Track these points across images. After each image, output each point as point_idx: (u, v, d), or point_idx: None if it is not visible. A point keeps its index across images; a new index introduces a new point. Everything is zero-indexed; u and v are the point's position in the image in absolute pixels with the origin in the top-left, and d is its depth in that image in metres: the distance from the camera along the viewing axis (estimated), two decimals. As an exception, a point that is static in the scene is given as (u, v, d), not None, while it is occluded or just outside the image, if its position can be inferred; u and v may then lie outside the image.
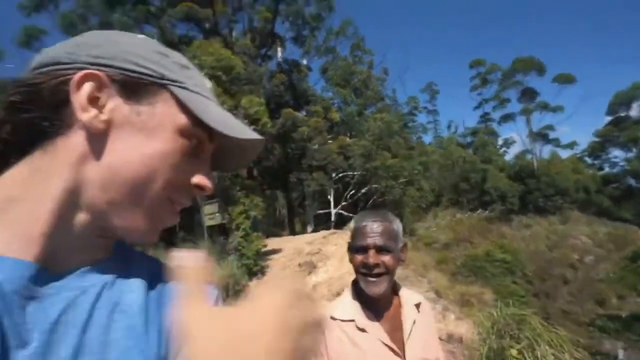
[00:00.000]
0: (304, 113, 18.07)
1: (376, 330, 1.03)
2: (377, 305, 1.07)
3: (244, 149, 0.46)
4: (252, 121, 8.37)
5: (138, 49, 0.40)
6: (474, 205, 24.01)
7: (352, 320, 1.03)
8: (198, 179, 0.42)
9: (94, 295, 0.38)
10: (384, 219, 1.07)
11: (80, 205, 0.38)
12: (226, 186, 9.26)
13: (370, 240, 1.02)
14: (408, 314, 1.07)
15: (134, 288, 0.41)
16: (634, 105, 25.69)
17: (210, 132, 0.42)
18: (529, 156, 27.81)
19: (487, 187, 23.28)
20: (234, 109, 8.37)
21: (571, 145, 30.21)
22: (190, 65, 0.45)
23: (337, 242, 10.01)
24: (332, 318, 1.05)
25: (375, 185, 17.70)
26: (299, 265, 7.66)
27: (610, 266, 14.15)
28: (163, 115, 0.40)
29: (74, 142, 0.37)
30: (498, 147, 32.19)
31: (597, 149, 28.25)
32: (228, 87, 8.53)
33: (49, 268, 0.36)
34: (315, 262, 7.85)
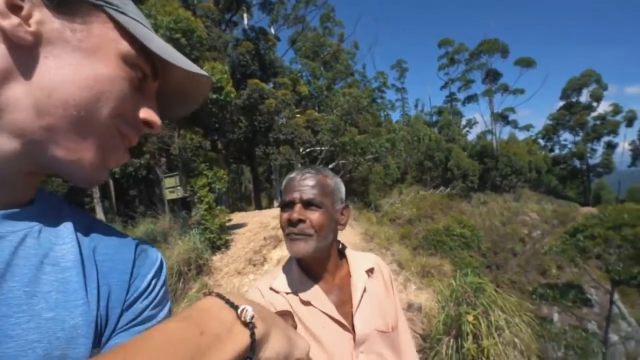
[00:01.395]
0: (271, 85, 17.41)
1: (321, 302, 0.89)
2: (320, 274, 0.92)
3: (189, 90, 0.43)
4: (215, 89, 7.85)
5: None
6: (437, 183, 24.97)
7: (294, 293, 0.90)
8: (146, 113, 0.41)
9: (15, 242, 0.34)
10: (317, 172, 0.92)
11: (5, 129, 0.34)
12: (187, 158, 8.78)
13: (296, 194, 0.88)
14: (357, 282, 0.94)
15: (66, 240, 0.38)
16: (584, 92, 27.41)
17: (154, 67, 0.40)
18: (489, 137, 29.12)
19: (450, 165, 24.21)
20: (194, 75, 7.76)
21: (527, 127, 31.98)
22: None
23: (303, 216, 10.02)
24: (272, 289, 0.91)
25: (343, 161, 17.75)
26: (264, 239, 7.54)
27: (554, 240, 15.44)
28: (102, 37, 0.37)
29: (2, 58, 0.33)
30: (462, 127, 33.36)
31: (550, 132, 30.09)
32: (188, 52, 7.87)
33: None
34: (281, 236, 7.76)
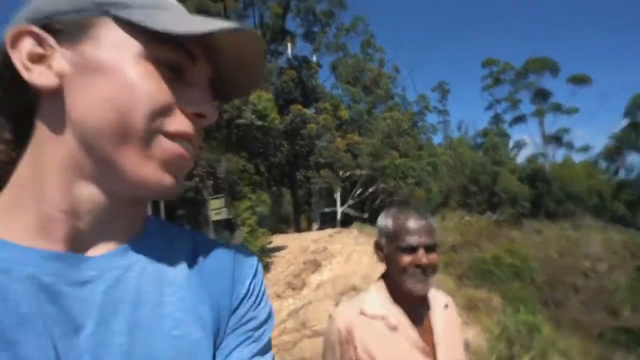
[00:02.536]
0: (312, 110, 18.02)
1: (407, 329, 0.98)
2: (409, 304, 1.02)
3: (243, 57, 0.39)
4: (260, 117, 8.30)
5: None
6: (482, 208, 23.63)
7: (383, 317, 0.98)
8: (193, 104, 0.37)
9: (138, 272, 0.38)
10: (424, 216, 1.03)
11: (78, 174, 0.35)
12: (233, 181, 9.23)
13: (421, 240, 0.98)
14: (438, 314, 1.04)
15: (177, 260, 0.41)
16: (653, 109, 24.95)
17: (191, 52, 0.37)
18: (541, 159, 27.28)
19: (497, 189, 22.89)
20: (243, 105, 8.32)
21: (585, 148, 29.49)
22: None
23: (343, 240, 9.92)
24: (362, 313, 0.99)
25: (383, 185, 17.57)
26: (304, 263, 7.59)
27: (624, 275, 13.76)
28: (111, 45, 0.35)
29: (42, 111, 0.35)
30: (509, 149, 31.67)
31: (613, 153, 27.51)
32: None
33: (83, 251, 0.36)
34: (320, 261, 7.78)
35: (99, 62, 0.34)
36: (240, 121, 8.35)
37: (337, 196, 17.85)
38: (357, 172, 17.12)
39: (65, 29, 0.34)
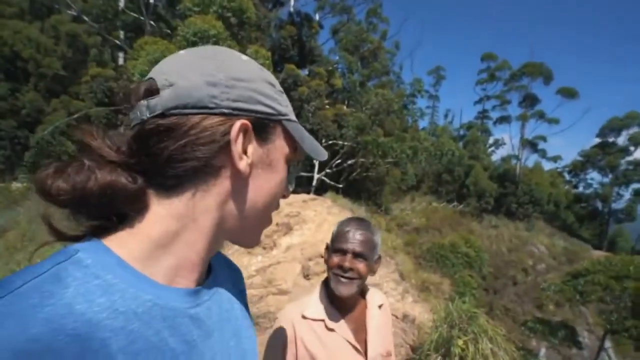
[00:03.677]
0: (306, 72, 17.53)
1: (343, 329, 1.09)
2: (345, 306, 1.13)
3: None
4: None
5: (258, 84, 0.44)
6: (451, 197, 24.81)
7: (322, 320, 1.09)
8: (285, 191, 0.52)
9: (220, 292, 0.49)
10: (367, 229, 1.12)
11: (224, 233, 0.45)
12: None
13: (350, 246, 1.08)
14: (372, 315, 1.15)
15: (227, 278, 0.55)
16: (624, 133, 26.41)
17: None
18: (514, 161, 28.54)
19: (468, 182, 23.97)
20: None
21: (555, 158, 31.08)
22: (279, 85, 0.50)
23: (316, 208, 10.23)
24: (304, 317, 1.10)
25: (362, 160, 17.87)
26: (277, 224, 7.86)
27: (558, 277, 15.32)
28: (279, 148, 0.47)
29: (225, 182, 0.42)
30: (488, 145, 32.75)
31: (578, 168, 29.26)
32: (236, 32, 8.10)
33: (201, 283, 0.46)
34: (292, 224, 8.08)
35: (272, 161, 0.46)
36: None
37: (316, 163, 18.01)
38: (340, 142, 17.22)
39: (257, 126, 0.44)
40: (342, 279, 1.07)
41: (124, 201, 0.38)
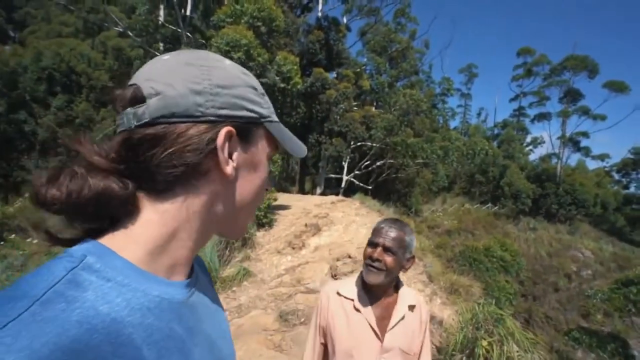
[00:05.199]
0: (334, 75, 17.70)
1: (368, 313, 1.23)
2: (374, 294, 1.26)
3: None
4: (284, 79, 8.35)
5: (241, 90, 0.46)
6: (485, 199, 23.91)
7: (352, 300, 1.26)
8: (267, 185, 0.55)
9: (202, 280, 0.54)
10: (400, 228, 1.25)
11: (212, 229, 0.50)
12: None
13: (381, 240, 1.22)
14: (400, 309, 1.25)
15: (203, 268, 0.62)
16: (681, 129, 24.12)
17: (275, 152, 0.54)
18: (554, 160, 26.97)
19: (503, 183, 22.98)
20: (268, 63, 8.34)
21: (602, 157, 29.03)
22: (261, 88, 0.52)
23: (344, 209, 10.34)
24: (338, 293, 1.29)
25: (392, 161, 17.71)
26: (306, 225, 8.05)
27: (606, 284, 14.30)
28: (262, 149, 0.50)
29: (213, 186, 0.45)
30: (525, 144, 31.19)
31: (629, 167, 27.11)
32: (266, 40, 8.42)
33: (190, 275, 0.51)
34: (321, 225, 8.23)
35: (256, 162, 0.49)
36: (263, 80, 8.42)
37: (345, 164, 18.08)
38: (369, 144, 17.18)
39: (241, 131, 0.46)
40: (371, 268, 1.21)
41: (116, 206, 0.40)
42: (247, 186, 0.48)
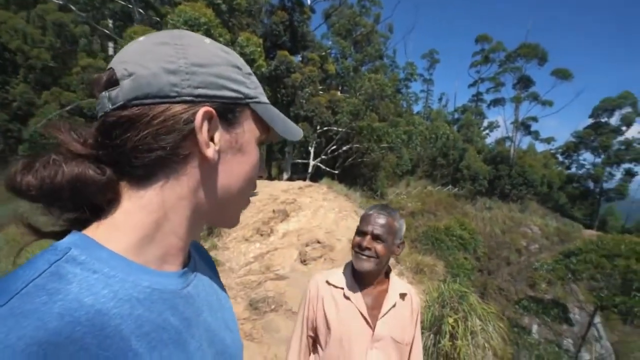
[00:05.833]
0: (299, 58, 17.33)
1: (358, 300, 1.21)
2: (364, 281, 1.25)
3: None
4: (247, 61, 8.00)
5: (221, 69, 0.43)
6: (446, 181, 25.06)
7: (342, 288, 1.24)
8: (260, 171, 0.52)
9: (204, 269, 0.53)
10: (388, 215, 1.22)
11: (202, 217, 0.47)
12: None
13: (370, 228, 1.20)
14: (391, 297, 1.24)
15: (205, 257, 0.60)
16: (616, 114, 26.58)
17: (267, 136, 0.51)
18: (508, 143, 28.72)
19: (462, 165, 24.18)
20: (229, 44, 7.92)
21: (549, 140, 31.34)
22: (248, 67, 0.49)
23: (312, 195, 10.34)
24: (327, 282, 1.27)
25: (357, 145, 17.90)
26: (273, 211, 7.96)
27: (550, 257, 15.72)
28: (248, 131, 0.47)
29: (195, 170, 0.43)
30: (482, 128, 32.87)
31: (571, 149, 29.53)
32: (227, 19, 7.97)
33: (185, 265, 0.49)
34: (289, 211, 8.18)
35: (242, 145, 0.46)
36: (226, 61, 8.02)
37: (311, 149, 18.01)
38: (335, 128, 17.19)
39: (223, 112, 0.43)
40: (361, 256, 1.19)
41: (94, 193, 0.39)
42: (233, 171, 0.46)
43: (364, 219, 1.23)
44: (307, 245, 6.41)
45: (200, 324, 0.46)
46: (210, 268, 0.59)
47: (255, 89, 0.47)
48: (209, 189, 0.45)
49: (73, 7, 12.98)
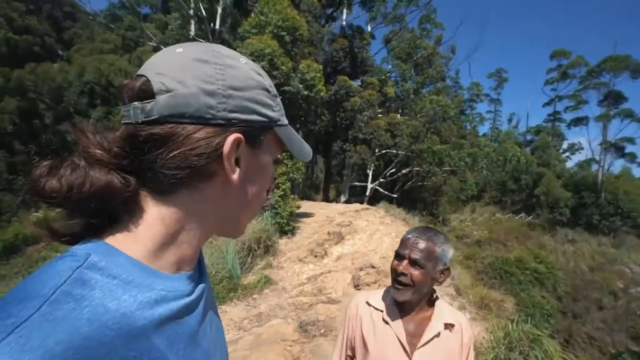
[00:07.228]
0: (358, 82, 17.64)
1: (397, 326, 1.14)
2: (404, 308, 1.17)
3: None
4: (307, 87, 8.40)
5: (254, 92, 0.44)
6: (517, 208, 22.76)
7: (382, 311, 1.19)
8: (271, 184, 0.54)
9: (204, 274, 0.55)
10: (429, 238, 1.12)
11: (215, 229, 0.49)
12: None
13: (407, 252, 1.12)
14: (433, 327, 1.14)
15: (202, 264, 0.61)
16: None
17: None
18: (594, 167, 25.31)
19: (538, 191, 21.78)
20: (291, 71, 8.42)
21: (649, 163, 26.91)
22: (274, 89, 0.50)
23: (368, 218, 10.16)
24: (367, 303, 1.23)
25: (417, 168, 17.30)
26: (328, 233, 7.96)
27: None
28: (269, 153, 0.49)
29: (217, 189, 0.44)
30: (561, 151, 29.55)
31: (680, 174, 24.94)
32: (290, 49, 8.52)
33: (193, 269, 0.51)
34: (344, 234, 8.10)
35: (262, 166, 0.48)
36: (287, 88, 8.50)
37: (370, 172, 17.85)
38: (394, 151, 16.90)
39: (251, 136, 0.44)
40: (397, 286, 1.13)
41: (118, 203, 0.40)
42: (252, 190, 0.48)
43: (403, 242, 1.16)
44: (361, 269, 6.24)
45: (207, 323, 0.49)
46: (205, 273, 0.60)
47: (279, 111, 0.48)
48: (228, 207, 0.47)
49: (163, 48, 15.05)
